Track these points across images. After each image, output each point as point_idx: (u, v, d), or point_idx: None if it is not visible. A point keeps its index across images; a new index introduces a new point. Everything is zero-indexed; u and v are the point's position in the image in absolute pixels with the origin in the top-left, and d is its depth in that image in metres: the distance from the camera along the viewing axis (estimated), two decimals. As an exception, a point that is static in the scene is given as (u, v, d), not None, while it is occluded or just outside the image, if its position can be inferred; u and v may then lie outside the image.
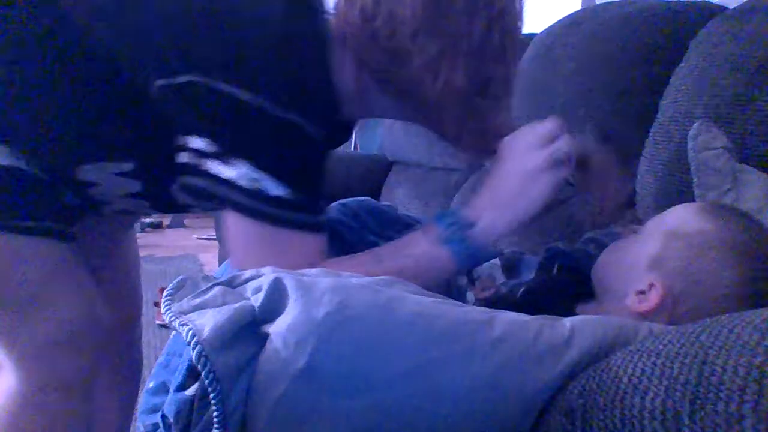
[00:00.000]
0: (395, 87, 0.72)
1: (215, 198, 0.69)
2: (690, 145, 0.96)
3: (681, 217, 0.72)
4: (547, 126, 0.75)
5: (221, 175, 0.68)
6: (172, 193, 0.81)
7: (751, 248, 0.66)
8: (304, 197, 0.70)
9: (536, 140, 0.73)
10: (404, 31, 0.68)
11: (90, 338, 0.82)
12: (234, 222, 0.70)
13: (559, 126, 0.75)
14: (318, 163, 0.73)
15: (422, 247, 0.72)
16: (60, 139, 0.75)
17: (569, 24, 1.59)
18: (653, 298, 0.67)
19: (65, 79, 0.73)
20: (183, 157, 0.70)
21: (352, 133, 0.93)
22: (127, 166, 0.78)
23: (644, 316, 0.67)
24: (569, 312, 0.64)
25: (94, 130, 0.75)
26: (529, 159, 0.72)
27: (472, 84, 0.70)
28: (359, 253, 0.75)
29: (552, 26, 1.68)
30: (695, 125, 0.97)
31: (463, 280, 0.84)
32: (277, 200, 0.68)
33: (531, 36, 1.76)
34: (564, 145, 0.73)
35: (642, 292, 0.68)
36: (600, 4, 1.69)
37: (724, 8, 1.26)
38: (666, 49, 1.26)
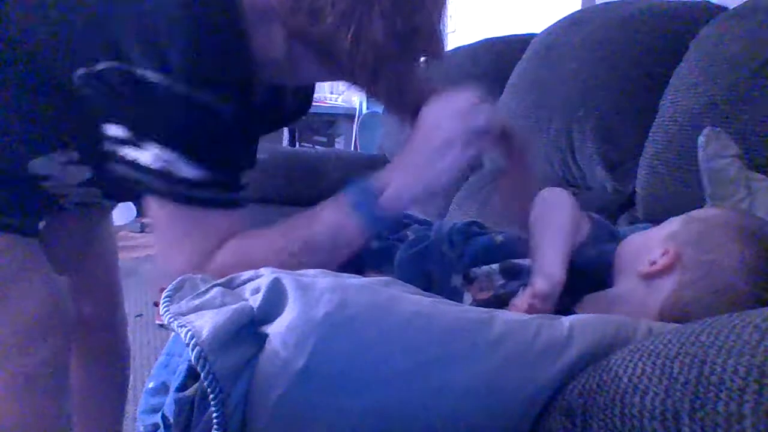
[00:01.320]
0: (317, 47, 0.72)
1: (135, 184, 0.70)
2: (700, 155, 0.95)
3: (703, 209, 0.80)
4: (468, 96, 0.74)
5: (136, 161, 0.68)
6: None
7: (763, 233, 0.71)
8: (216, 175, 0.70)
9: (456, 109, 0.73)
10: None
11: (57, 330, 0.82)
12: (152, 208, 0.71)
13: (481, 96, 0.74)
14: (232, 139, 0.72)
15: (331, 214, 0.73)
16: (3, 137, 0.76)
17: (569, 24, 1.59)
18: (663, 261, 0.70)
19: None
20: (106, 145, 0.71)
21: (301, 100, 0.94)
22: (74, 155, 0.79)
23: (651, 278, 0.71)
24: (568, 312, 0.64)
25: (32, 123, 0.76)
26: (445, 129, 0.72)
27: (391, 37, 0.70)
28: (274, 226, 0.75)
29: (552, 26, 1.68)
30: (704, 132, 0.96)
31: (458, 280, 0.84)
32: (187, 181, 0.68)
33: (531, 36, 1.76)
34: (483, 116, 0.73)
35: (654, 263, 0.72)
36: (600, 4, 1.69)
37: (724, 8, 1.26)
38: (666, 49, 1.27)
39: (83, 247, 1.06)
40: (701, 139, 0.96)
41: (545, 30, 1.70)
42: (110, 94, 0.68)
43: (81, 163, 0.79)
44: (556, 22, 1.67)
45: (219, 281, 0.60)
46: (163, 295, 0.59)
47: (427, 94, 0.75)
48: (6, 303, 0.79)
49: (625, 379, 0.45)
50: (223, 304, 0.55)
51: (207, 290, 0.58)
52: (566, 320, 0.56)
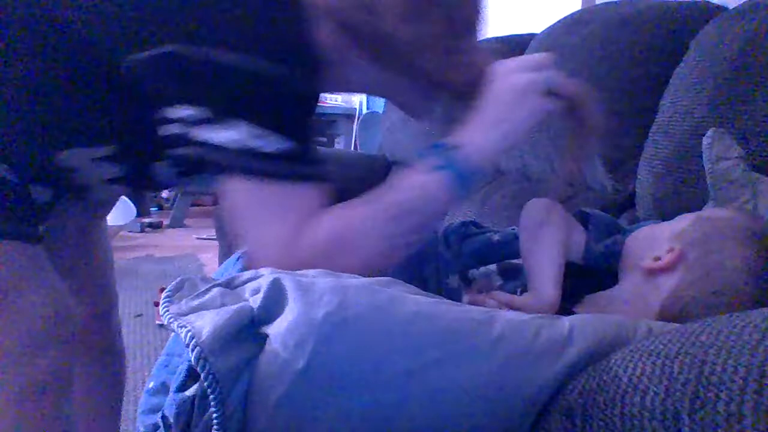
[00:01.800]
0: (374, 46, 0.72)
1: (210, 166, 0.68)
2: (705, 156, 0.95)
3: (713, 209, 0.80)
4: (538, 55, 0.75)
5: (212, 141, 0.66)
6: (155, 174, 0.82)
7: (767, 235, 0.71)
8: (301, 148, 0.69)
9: (526, 65, 0.73)
10: None
11: (62, 337, 0.82)
12: (233, 189, 0.69)
13: (551, 58, 0.74)
14: (308, 114, 0.72)
15: (416, 178, 0.71)
16: (35, 129, 0.75)
17: (569, 24, 1.59)
18: (667, 259, 0.71)
19: (38, 66, 0.73)
20: (169, 130, 0.69)
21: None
22: (107, 150, 0.78)
23: (654, 275, 0.72)
24: (568, 312, 0.65)
25: (68, 115, 0.75)
26: (518, 79, 0.72)
27: (450, 32, 0.72)
28: (355, 200, 0.74)
29: (552, 26, 1.68)
30: (708, 133, 0.96)
31: (456, 281, 0.84)
32: (273, 156, 0.67)
33: (531, 36, 1.76)
34: (554, 75, 0.72)
35: (659, 259, 0.73)
36: (600, 4, 1.69)
37: (724, 8, 1.26)
38: (666, 49, 1.26)
39: (81, 249, 1.06)
40: (706, 141, 0.95)
41: (545, 30, 1.70)
42: (173, 78, 0.67)
43: (113, 161, 0.79)
44: (556, 22, 1.67)
45: (219, 281, 0.60)
46: (163, 295, 0.59)
47: (487, 63, 0.75)
48: (10, 312, 0.78)
49: (625, 379, 0.45)
50: (222, 305, 0.55)
51: (207, 290, 0.58)
52: (566, 320, 0.57)
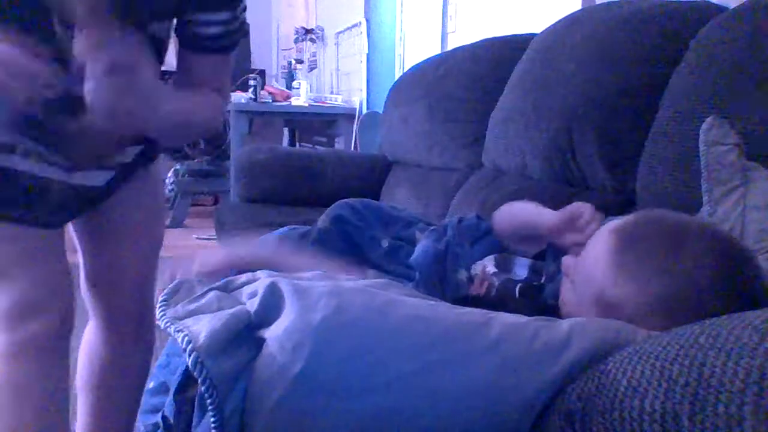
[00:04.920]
0: None
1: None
2: (701, 138, 0.96)
3: (630, 232, 0.69)
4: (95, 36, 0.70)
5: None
6: None
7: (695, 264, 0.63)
8: None
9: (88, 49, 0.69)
10: None
11: (49, 311, 0.85)
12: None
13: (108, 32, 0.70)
14: None
15: None
16: None
17: (569, 24, 1.58)
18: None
19: None
20: None
21: None
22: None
23: None
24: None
25: None
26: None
27: None
28: None
29: (552, 26, 1.67)
30: (708, 119, 0.97)
31: (464, 275, 0.85)
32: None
33: (531, 36, 1.76)
34: (113, 52, 0.68)
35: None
36: (600, 4, 1.68)
37: (724, 8, 1.26)
38: (666, 49, 1.26)
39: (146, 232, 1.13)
40: (704, 126, 0.96)
41: (545, 30, 1.70)
42: None
43: None
44: (556, 22, 1.67)
45: (215, 285, 0.60)
46: (160, 298, 0.59)
47: None
48: (4, 281, 0.83)
49: (624, 382, 0.45)
50: (219, 309, 0.55)
51: (203, 294, 0.58)
52: (565, 323, 0.56)
